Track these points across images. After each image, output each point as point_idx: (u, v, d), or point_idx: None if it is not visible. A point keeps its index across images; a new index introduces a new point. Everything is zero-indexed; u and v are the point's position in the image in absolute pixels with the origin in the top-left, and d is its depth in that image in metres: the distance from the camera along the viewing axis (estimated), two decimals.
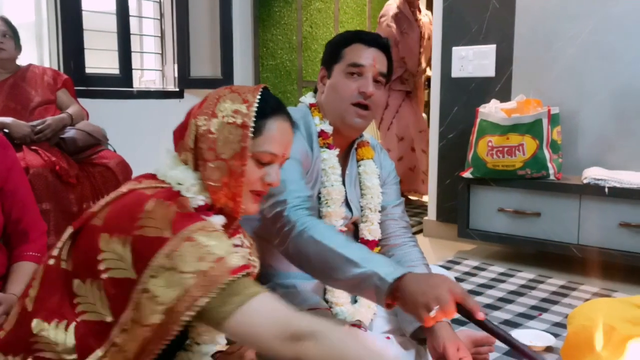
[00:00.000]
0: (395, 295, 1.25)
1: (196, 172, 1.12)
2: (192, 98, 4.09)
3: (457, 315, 2.14)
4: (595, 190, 2.63)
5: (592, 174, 2.69)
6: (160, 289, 0.95)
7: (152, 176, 1.13)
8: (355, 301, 1.62)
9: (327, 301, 1.59)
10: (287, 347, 0.94)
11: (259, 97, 1.13)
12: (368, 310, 1.61)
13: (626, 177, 2.61)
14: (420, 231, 3.65)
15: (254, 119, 1.11)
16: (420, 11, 4.37)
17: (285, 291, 1.54)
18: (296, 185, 1.43)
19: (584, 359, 1.56)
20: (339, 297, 1.57)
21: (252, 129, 1.10)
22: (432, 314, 1.17)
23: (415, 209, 4.23)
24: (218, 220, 1.12)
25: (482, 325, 1.21)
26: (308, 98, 1.67)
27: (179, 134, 1.16)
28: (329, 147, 1.58)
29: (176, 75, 4.13)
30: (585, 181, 2.69)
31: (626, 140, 2.81)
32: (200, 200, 1.10)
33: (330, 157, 1.58)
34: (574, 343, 1.60)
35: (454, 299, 1.19)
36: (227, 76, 4.17)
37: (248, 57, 4.51)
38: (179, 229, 0.97)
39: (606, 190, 2.60)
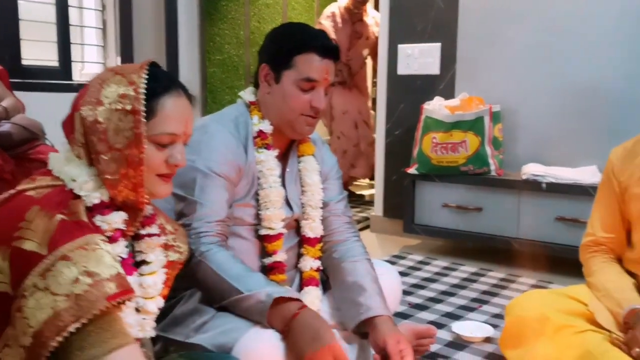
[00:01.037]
0: (284, 323, 1.29)
1: (91, 167, 1.04)
2: None
3: (400, 309, 2.17)
4: (533, 186, 2.72)
5: (531, 170, 2.78)
6: (29, 310, 0.88)
7: (49, 172, 1.05)
8: (300, 289, 1.62)
9: None
10: None
11: (145, 76, 1.04)
12: (312, 307, 1.60)
13: (562, 173, 2.71)
14: (367, 227, 3.69)
15: (144, 101, 1.02)
16: (366, 13, 4.42)
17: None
18: (208, 208, 1.41)
19: (521, 348, 1.62)
20: None
21: (144, 113, 1.01)
22: None
23: (362, 205, 4.27)
24: (117, 218, 1.05)
25: None
26: (247, 95, 1.62)
27: (69, 127, 1.06)
28: (267, 147, 1.56)
29: None
30: (524, 177, 2.77)
31: (562, 137, 2.91)
32: (95, 198, 1.02)
33: (267, 159, 1.54)
34: (512, 333, 1.66)
35: None
36: (172, 70, 4.09)
37: (194, 52, 4.43)
38: (56, 246, 0.91)
39: (543, 185, 2.69)
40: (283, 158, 1.63)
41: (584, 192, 2.56)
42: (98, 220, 1.03)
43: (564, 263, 2.58)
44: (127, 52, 4.00)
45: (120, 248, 1.06)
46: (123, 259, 1.06)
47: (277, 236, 1.56)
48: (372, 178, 4.38)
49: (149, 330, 1.14)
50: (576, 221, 2.57)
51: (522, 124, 3.03)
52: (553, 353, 1.51)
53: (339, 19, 4.34)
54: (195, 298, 1.42)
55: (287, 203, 1.62)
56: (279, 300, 1.29)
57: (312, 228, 1.65)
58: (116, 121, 1.01)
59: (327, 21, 4.33)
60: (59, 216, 0.94)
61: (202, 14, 4.43)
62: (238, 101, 1.64)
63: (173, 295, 1.41)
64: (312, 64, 1.50)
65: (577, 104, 2.86)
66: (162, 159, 1.07)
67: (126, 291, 0.94)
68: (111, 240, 1.04)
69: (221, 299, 1.35)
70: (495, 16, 3.06)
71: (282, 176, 1.61)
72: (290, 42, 1.53)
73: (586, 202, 2.46)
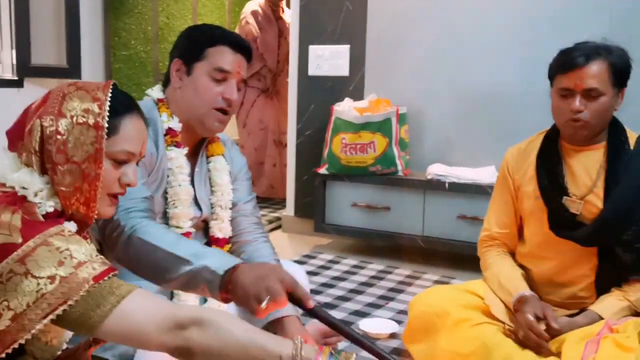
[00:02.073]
0: (228, 289, 1.24)
1: (43, 176, 1.04)
2: (34, 88, 3.75)
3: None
4: (437, 186, 2.83)
5: (435, 170, 2.89)
6: (9, 294, 0.90)
7: None
8: (205, 301, 1.59)
9: None
10: (172, 337, 0.94)
11: (110, 94, 1.07)
12: (219, 309, 1.58)
13: (464, 173, 2.84)
14: (279, 227, 3.69)
15: (107, 118, 1.05)
16: (283, 10, 4.42)
17: None
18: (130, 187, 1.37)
19: (423, 342, 1.68)
20: (187, 299, 1.52)
21: (106, 129, 1.04)
22: (264, 305, 1.17)
23: (274, 205, 4.27)
24: (71, 227, 1.05)
25: (314, 313, 1.23)
26: (155, 92, 1.59)
27: (17, 133, 1.06)
28: (176, 145, 1.53)
29: (14, 62, 3.76)
30: (429, 177, 2.88)
31: (464, 139, 3.05)
32: (49, 206, 1.02)
33: (177, 156, 1.52)
34: (414, 328, 1.72)
35: (285, 289, 1.20)
36: (74, 65, 3.89)
37: (98, 46, 4.24)
38: (31, 235, 0.93)
39: (447, 185, 2.80)
40: (192, 157, 1.60)
41: (483, 191, 2.69)
42: None
43: (465, 259, 2.70)
44: (22, 47, 3.75)
45: None
46: None
47: (186, 235, 1.53)
48: (269, 199, 4.36)
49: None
50: (476, 219, 2.71)
51: (427, 126, 3.14)
52: (452, 346, 1.58)
53: (261, 18, 4.28)
54: None
55: (196, 203, 1.59)
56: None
57: (221, 228, 1.63)
58: (77, 134, 1.03)
59: (252, 19, 4.25)
60: (20, 213, 0.96)
61: (106, 8, 4.25)
62: (145, 99, 1.59)
63: None
64: (225, 55, 1.50)
65: (476, 106, 3.01)
66: (116, 177, 1.10)
67: (110, 269, 0.97)
68: None
69: (156, 270, 1.29)
70: (402, 20, 3.16)
71: (191, 176, 1.58)
72: (203, 36, 1.53)
73: (485, 200, 2.57)
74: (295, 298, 1.22)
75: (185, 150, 1.54)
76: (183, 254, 1.26)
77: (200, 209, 1.60)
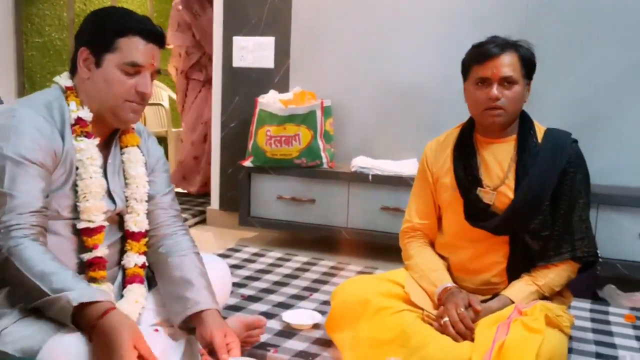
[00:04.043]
0: (90, 324, 1.22)
1: None
2: None
3: (232, 301, 2.16)
4: (361, 178, 2.87)
5: (359, 163, 2.93)
6: None
7: None
8: (121, 296, 1.54)
9: None
10: None
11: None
12: (135, 305, 1.53)
13: (386, 165, 2.90)
14: (203, 221, 3.63)
15: None
16: None
17: None
18: (19, 200, 1.30)
19: (345, 331, 1.70)
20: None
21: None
22: None
23: (198, 199, 4.19)
24: None
25: None
26: (63, 79, 1.51)
27: None
28: (87, 135, 1.46)
29: None
30: (353, 169, 2.92)
31: (387, 132, 3.11)
32: None
33: (88, 147, 1.45)
34: (336, 317, 1.74)
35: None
36: None
37: (9, 32, 4.00)
38: None
39: (370, 177, 2.85)
40: (104, 149, 1.54)
41: (405, 183, 2.76)
42: None
43: (388, 249, 2.76)
44: None
45: None
46: None
47: (98, 229, 1.47)
48: (205, 195, 4.18)
49: None
50: (398, 210, 2.77)
51: (351, 119, 3.18)
52: (373, 333, 1.62)
53: (195, 3, 4.07)
54: None
55: (110, 196, 1.53)
56: (85, 304, 1.22)
57: (137, 222, 1.58)
58: None
59: (185, 4, 4.02)
60: None
61: None
62: (52, 86, 1.51)
63: None
64: (137, 48, 1.44)
65: (398, 100, 3.08)
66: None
67: None
68: None
69: (29, 299, 1.24)
70: (327, 13, 3.17)
71: (104, 167, 1.51)
72: (112, 24, 1.45)
73: (407, 192, 2.64)
74: None
75: (96, 141, 1.47)
76: (49, 289, 1.21)
77: (114, 202, 1.53)
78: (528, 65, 1.70)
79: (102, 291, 1.28)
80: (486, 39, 1.72)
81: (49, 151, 1.37)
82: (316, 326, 1.95)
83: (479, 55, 1.69)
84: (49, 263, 1.27)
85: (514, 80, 1.66)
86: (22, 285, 1.24)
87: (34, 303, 1.23)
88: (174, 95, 4.81)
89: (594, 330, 2.05)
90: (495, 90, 1.65)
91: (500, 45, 1.67)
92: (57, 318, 1.23)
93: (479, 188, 1.75)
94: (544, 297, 1.69)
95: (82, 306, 1.21)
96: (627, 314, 2.21)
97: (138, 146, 1.60)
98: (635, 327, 2.10)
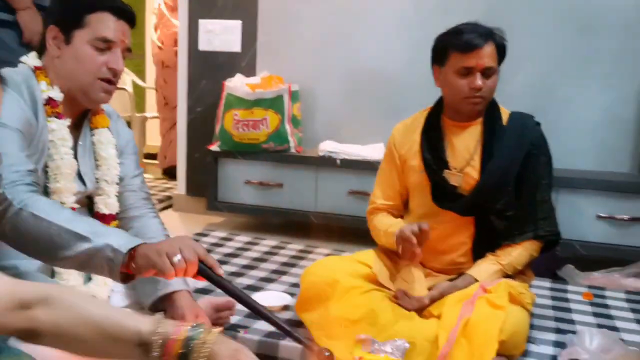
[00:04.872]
0: (130, 266, 1.20)
1: None
2: None
3: (201, 285, 2.16)
4: (329, 162, 2.89)
5: (327, 147, 2.95)
6: None
7: None
8: (89, 279, 1.53)
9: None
10: (15, 318, 0.83)
11: None
12: (104, 287, 1.53)
13: (354, 150, 2.92)
14: (170, 206, 3.60)
15: None
16: None
17: (5, 274, 1.37)
18: (14, 158, 1.27)
19: (315, 311, 1.72)
20: (69, 278, 1.45)
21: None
22: (176, 259, 1.15)
23: (164, 184, 4.14)
24: None
25: (221, 285, 1.23)
26: (32, 59, 1.48)
27: None
28: (58, 116, 1.44)
29: None
30: (321, 154, 2.93)
31: (354, 116, 3.14)
32: None
33: (59, 128, 1.44)
34: (306, 297, 1.76)
35: (196, 254, 1.19)
36: None
37: None
38: None
39: (338, 162, 2.87)
40: (75, 130, 1.52)
41: (372, 167, 2.78)
42: None
43: (355, 233, 2.79)
44: None
45: None
46: None
47: None
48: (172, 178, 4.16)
49: None
50: (365, 194, 2.79)
51: (318, 103, 3.19)
52: (342, 312, 1.64)
53: None
54: None
55: (80, 177, 1.51)
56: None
57: (107, 204, 1.57)
58: None
59: None
60: None
61: None
62: (20, 66, 1.48)
63: None
64: (107, 24, 1.43)
65: (365, 85, 3.10)
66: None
67: None
68: None
69: (49, 247, 1.21)
70: None
71: (74, 149, 1.49)
72: (82, 1, 1.45)
73: (374, 176, 2.66)
74: (205, 266, 1.21)
75: (67, 122, 1.46)
76: (82, 231, 1.20)
77: (84, 183, 1.52)
78: (502, 53, 1.74)
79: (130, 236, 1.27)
80: (463, 25, 1.74)
81: (26, 121, 1.35)
82: (286, 307, 1.97)
83: (462, 45, 1.70)
84: (70, 211, 1.28)
85: (494, 71, 1.71)
86: (42, 234, 1.20)
87: (72, 252, 1.20)
88: (138, 80, 4.74)
89: (554, 308, 2.13)
90: (479, 80, 1.69)
91: (482, 36, 1.70)
92: (91, 269, 1.23)
93: (445, 170, 1.79)
94: (507, 276, 1.75)
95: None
96: (584, 292, 2.29)
97: (108, 128, 1.59)
98: (592, 304, 2.19)
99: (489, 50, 1.69)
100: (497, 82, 1.75)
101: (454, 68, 1.72)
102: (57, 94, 1.44)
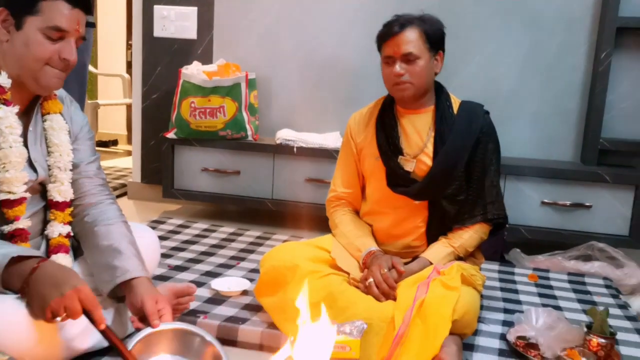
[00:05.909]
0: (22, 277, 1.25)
1: None
2: None
3: (159, 271, 2.15)
4: (286, 150, 2.91)
5: (284, 135, 2.97)
6: None
7: None
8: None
9: None
10: None
11: None
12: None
13: (310, 138, 2.95)
14: (124, 194, 3.55)
15: None
16: None
17: None
18: None
19: (274, 295, 1.75)
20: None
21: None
22: (58, 320, 1.22)
23: (118, 172, 4.08)
24: None
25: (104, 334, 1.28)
26: None
27: None
28: (5, 103, 1.40)
29: None
30: (278, 142, 2.95)
31: (311, 105, 3.16)
32: None
33: (7, 116, 1.40)
34: (266, 282, 1.78)
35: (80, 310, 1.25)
36: None
37: None
38: None
39: (295, 149, 2.90)
40: (25, 116, 1.48)
41: (329, 155, 2.83)
42: None
43: (312, 219, 2.83)
44: None
45: None
46: None
47: (19, 201, 1.43)
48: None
49: None
50: (322, 181, 2.84)
51: (275, 92, 3.20)
52: None
53: None
54: None
55: (31, 165, 1.48)
56: (16, 260, 1.21)
57: (61, 192, 1.55)
58: None
59: None
60: None
61: None
62: None
63: None
64: (61, 12, 1.39)
65: (322, 74, 3.13)
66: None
67: None
68: None
69: None
70: None
71: (24, 136, 1.46)
72: None
73: (330, 164, 2.73)
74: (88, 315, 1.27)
75: (16, 109, 1.42)
76: None
77: (35, 171, 1.49)
78: (433, 38, 1.77)
79: (35, 250, 1.27)
80: (394, 16, 1.80)
81: None
82: (245, 292, 1.99)
83: (383, 34, 1.78)
84: None
85: (415, 56, 1.74)
86: None
87: None
88: (90, 67, 4.61)
89: (502, 289, 2.23)
90: (397, 67, 1.75)
91: (401, 24, 1.75)
92: None
93: (399, 156, 1.84)
94: (459, 258, 1.82)
95: (14, 262, 1.21)
96: (530, 274, 2.41)
97: (61, 113, 1.56)
98: (537, 286, 2.30)
99: (409, 36, 1.74)
100: (431, 66, 1.78)
101: (382, 57, 1.81)
102: (4, 80, 1.40)
